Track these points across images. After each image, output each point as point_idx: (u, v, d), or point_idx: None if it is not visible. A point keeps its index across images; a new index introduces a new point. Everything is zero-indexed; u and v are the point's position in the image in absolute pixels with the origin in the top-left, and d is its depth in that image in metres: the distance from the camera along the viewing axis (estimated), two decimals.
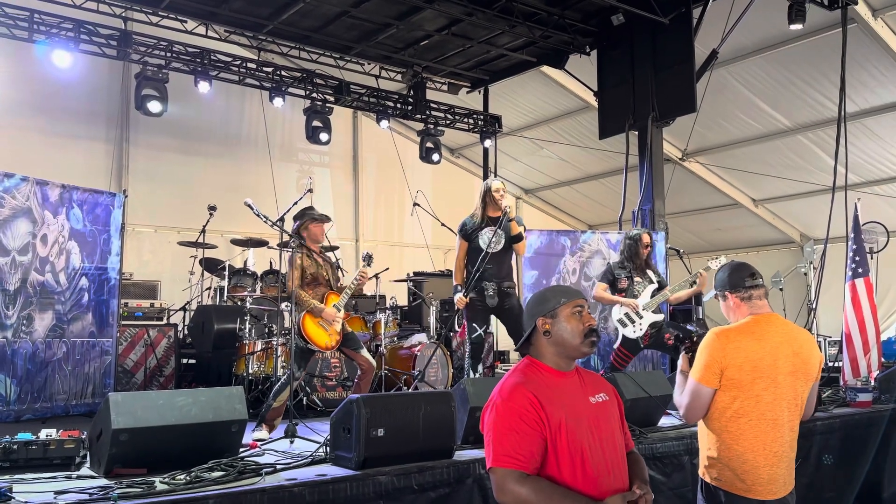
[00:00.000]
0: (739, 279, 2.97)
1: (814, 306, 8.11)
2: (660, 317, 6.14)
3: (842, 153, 7.46)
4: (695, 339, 2.98)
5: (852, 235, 7.23)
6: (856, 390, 6.15)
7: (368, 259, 5.68)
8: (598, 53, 9.27)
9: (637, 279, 6.26)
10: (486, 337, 6.00)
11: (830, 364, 10.12)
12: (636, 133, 8.78)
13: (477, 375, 5.64)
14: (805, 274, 12.12)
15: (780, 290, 10.85)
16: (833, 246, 7.60)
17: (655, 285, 6.24)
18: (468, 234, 5.80)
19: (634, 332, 6.11)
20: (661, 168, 8.72)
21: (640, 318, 6.11)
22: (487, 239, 5.68)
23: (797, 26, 7.80)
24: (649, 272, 6.32)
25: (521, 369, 2.38)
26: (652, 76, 8.46)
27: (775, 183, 11.62)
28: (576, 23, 9.09)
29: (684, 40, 8.12)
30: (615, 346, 6.35)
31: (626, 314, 6.15)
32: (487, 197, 5.77)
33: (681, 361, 3.05)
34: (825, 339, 10.72)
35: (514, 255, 5.97)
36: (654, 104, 8.43)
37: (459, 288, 5.76)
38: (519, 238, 5.76)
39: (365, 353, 5.55)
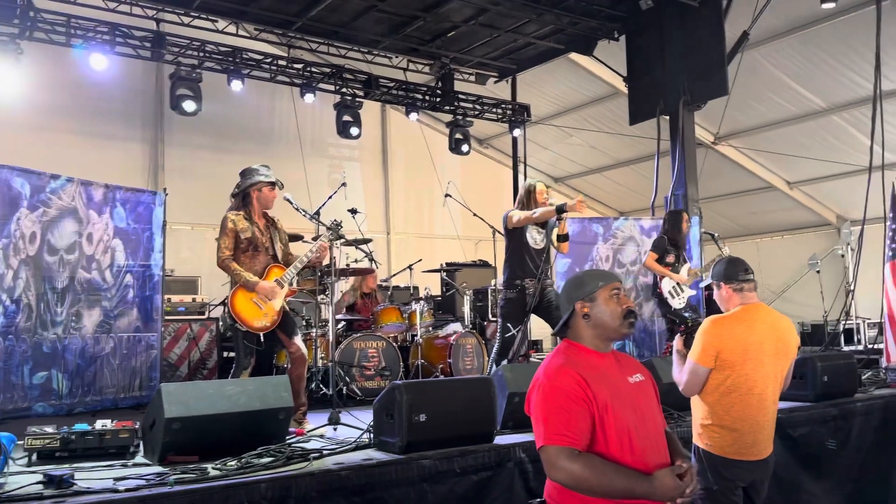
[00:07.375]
0: (734, 272, 3.33)
1: (852, 288, 8.02)
2: (693, 291, 7.06)
3: (878, 132, 7.34)
4: (689, 323, 3.32)
5: (891, 215, 7.14)
6: None
7: (336, 228, 5.09)
8: (626, 39, 9.23)
9: (681, 256, 6.99)
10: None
11: (870, 346, 9.99)
12: (667, 118, 8.74)
13: None
14: (842, 256, 11.94)
15: (817, 272, 10.73)
16: (871, 227, 7.50)
17: (689, 264, 7.08)
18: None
19: (680, 303, 6.89)
20: (694, 152, 8.68)
21: (683, 291, 6.95)
22: (534, 237, 5.59)
23: (830, 5, 7.69)
24: (682, 252, 7.06)
25: (562, 351, 2.44)
26: (682, 60, 8.40)
27: (810, 165, 11.46)
28: (604, 9, 9.05)
29: (714, 23, 8.05)
30: (664, 315, 7.16)
31: (675, 287, 6.90)
32: (530, 198, 5.60)
33: (676, 342, 3.36)
34: (864, 322, 10.58)
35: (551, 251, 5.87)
36: (685, 88, 8.38)
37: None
38: (567, 237, 5.64)
39: (299, 340, 4.97)
